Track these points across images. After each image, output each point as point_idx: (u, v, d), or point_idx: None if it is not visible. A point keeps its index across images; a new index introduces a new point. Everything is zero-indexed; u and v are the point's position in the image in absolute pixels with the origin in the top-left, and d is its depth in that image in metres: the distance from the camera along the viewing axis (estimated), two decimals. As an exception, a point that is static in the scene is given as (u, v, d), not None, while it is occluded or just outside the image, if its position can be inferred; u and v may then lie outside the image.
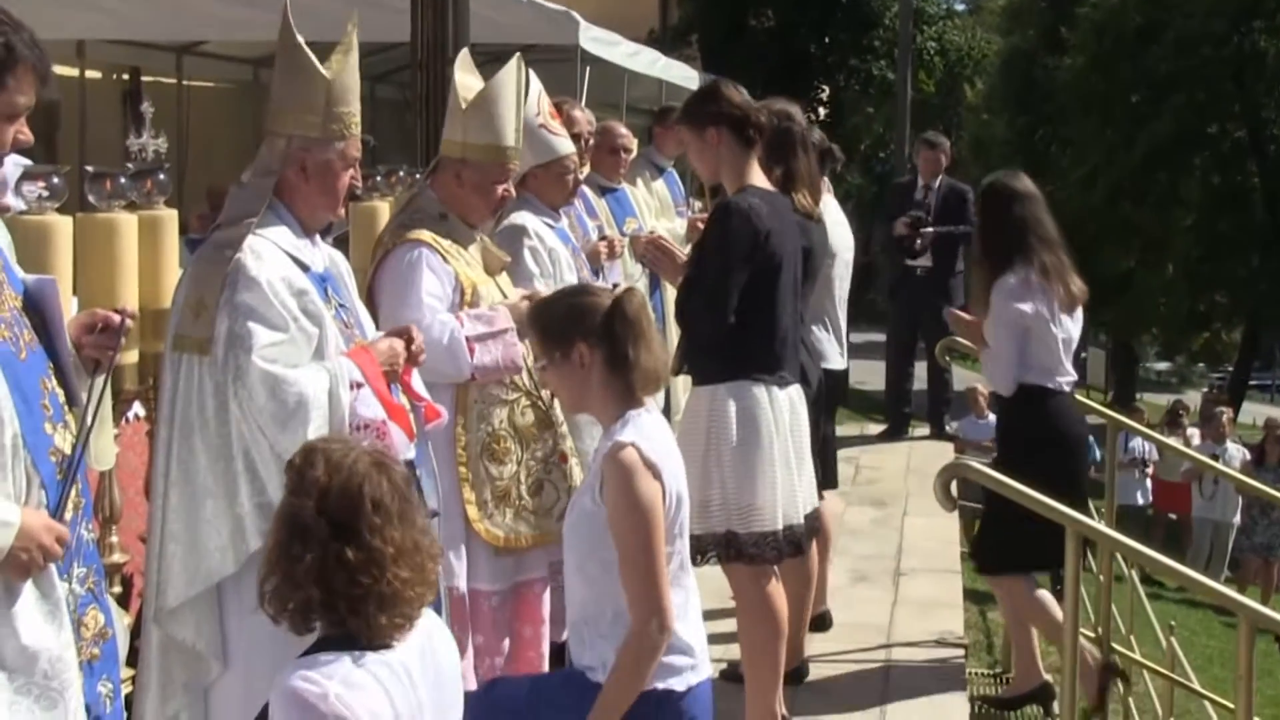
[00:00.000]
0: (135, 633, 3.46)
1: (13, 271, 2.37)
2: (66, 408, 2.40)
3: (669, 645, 2.65)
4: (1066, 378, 4.86)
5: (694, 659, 2.70)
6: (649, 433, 2.69)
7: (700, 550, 3.92)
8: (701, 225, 4.73)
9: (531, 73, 3.98)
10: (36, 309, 2.39)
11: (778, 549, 3.96)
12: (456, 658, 2.26)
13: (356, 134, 3.07)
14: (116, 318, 2.54)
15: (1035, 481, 4.67)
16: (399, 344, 3.11)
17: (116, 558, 3.68)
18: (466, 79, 3.80)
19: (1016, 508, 4.29)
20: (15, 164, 3.54)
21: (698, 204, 7.50)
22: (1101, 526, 5.12)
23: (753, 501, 3.90)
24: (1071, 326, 4.84)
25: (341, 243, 4.64)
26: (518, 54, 3.87)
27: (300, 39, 3.00)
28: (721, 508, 3.91)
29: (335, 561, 2.02)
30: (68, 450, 2.35)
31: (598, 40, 9.53)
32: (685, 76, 12.52)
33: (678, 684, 2.66)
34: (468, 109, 3.72)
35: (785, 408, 4.00)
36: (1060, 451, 4.81)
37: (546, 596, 3.80)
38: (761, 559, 3.95)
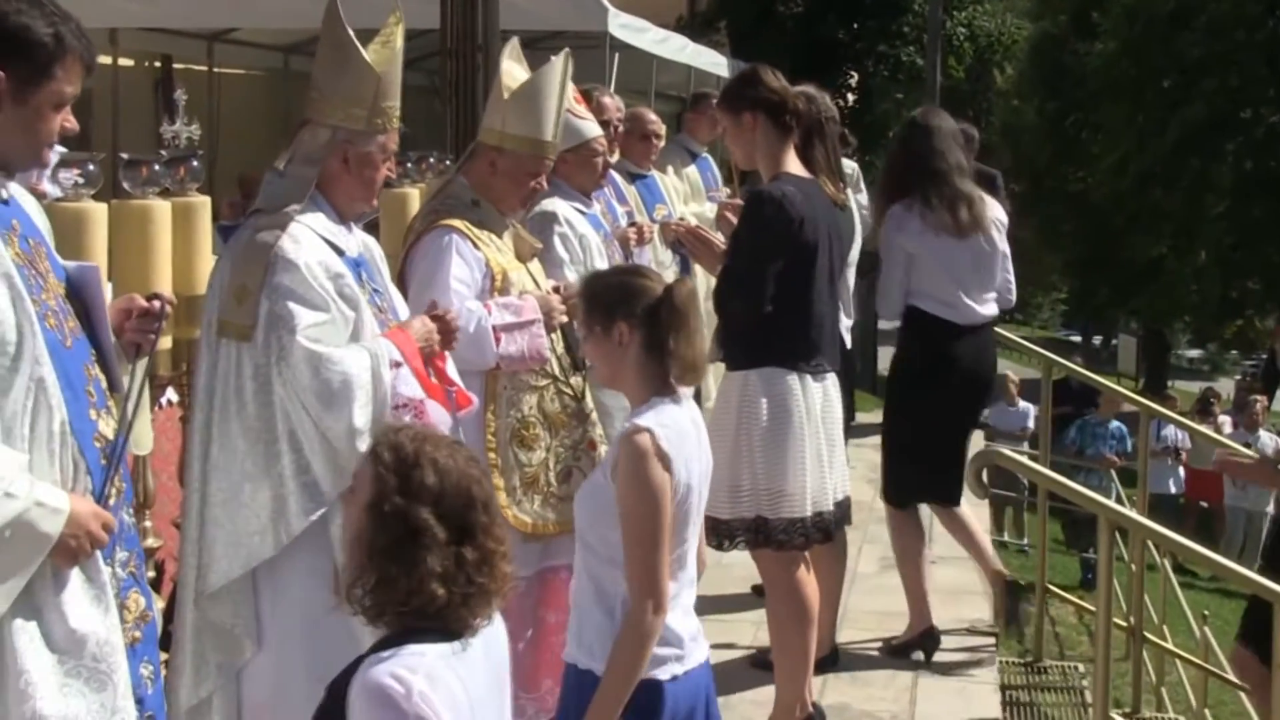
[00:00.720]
0: (167, 617, 3.50)
1: (56, 260, 2.40)
2: (109, 394, 2.42)
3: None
4: (968, 311, 4.86)
5: (680, 649, 2.71)
6: (670, 421, 2.69)
7: (729, 535, 3.93)
8: (729, 213, 4.73)
9: (568, 56, 3.97)
10: (79, 296, 2.41)
11: (806, 535, 3.95)
12: (507, 644, 2.29)
13: (396, 126, 3.09)
14: (156, 303, 2.56)
15: (918, 413, 4.82)
16: (432, 323, 3.13)
17: (150, 542, 3.71)
18: (513, 68, 3.81)
19: (914, 443, 4.64)
20: (54, 151, 3.57)
21: (726, 190, 7.48)
22: (1134, 514, 5.11)
23: (783, 487, 3.90)
24: (961, 254, 4.82)
25: (371, 228, 4.65)
26: (565, 50, 3.88)
27: (351, 33, 3.00)
28: (751, 493, 3.91)
29: (455, 563, 2.05)
30: (111, 436, 2.37)
31: (626, 27, 9.51)
32: (713, 63, 12.50)
33: (661, 674, 2.68)
34: (510, 99, 3.72)
35: (818, 396, 4.00)
36: (949, 384, 4.83)
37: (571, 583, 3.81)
38: (790, 545, 3.95)
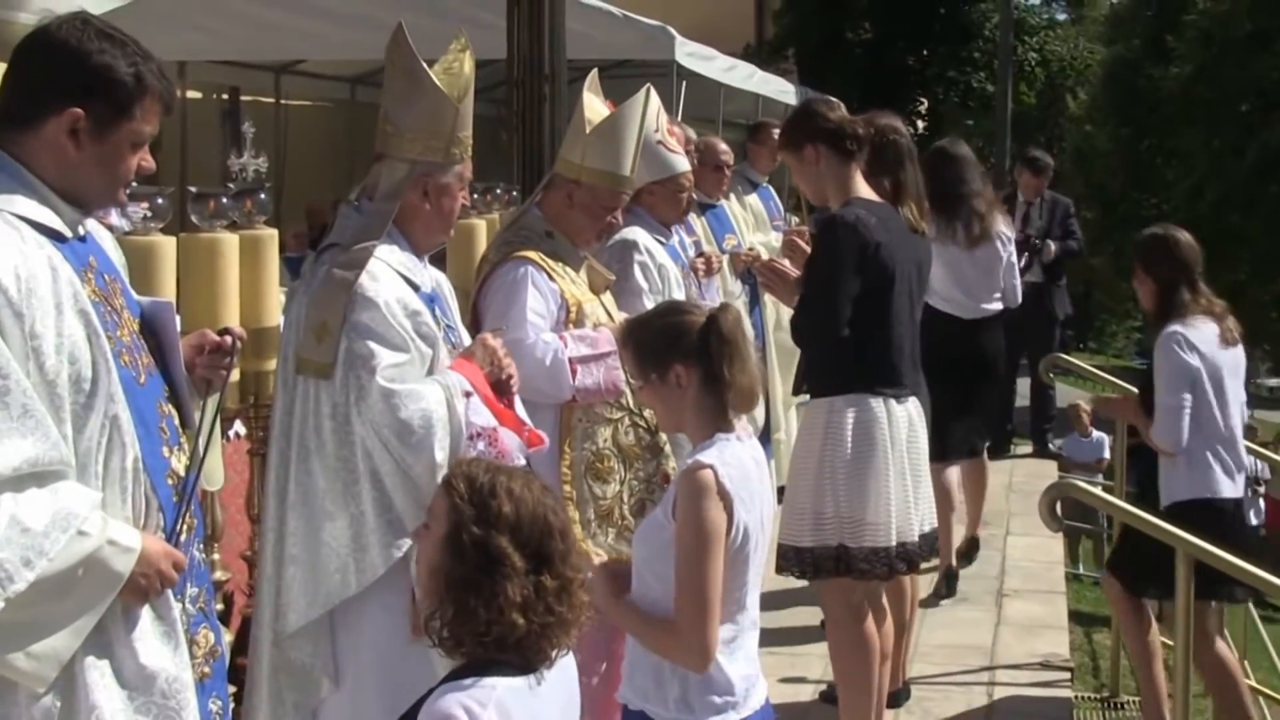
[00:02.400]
0: (236, 649, 3.50)
1: (130, 295, 2.41)
2: (181, 430, 2.43)
3: (709, 679, 2.61)
4: (971, 307, 5.88)
5: (734, 696, 2.64)
6: (733, 459, 2.64)
7: (814, 564, 3.88)
8: (798, 239, 4.70)
9: (651, 91, 3.98)
10: (152, 332, 2.42)
11: (889, 565, 3.89)
12: (577, 679, 2.27)
13: (469, 156, 3.09)
14: (227, 339, 2.56)
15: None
16: (492, 341, 3.10)
17: (218, 575, 3.71)
18: (594, 101, 3.81)
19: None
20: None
21: (794, 219, 7.45)
22: (1212, 547, 4.97)
23: (864, 516, 3.85)
24: (967, 262, 5.84)
25: (438, 260, 4.67)
26: (648, 86, 3.88)
27: (424, 63, 3.00)
28: (834, 520, 3.86)
29: (534, 592, 2.05)
30: (182, 473, 2.38)
31: (694, 55, 9.52)
32: (781, 90, 12.47)
33: None
34: (591, 133, 3.72)
35: (903, 422, 3.94)
36: (949, 362, 5.23)
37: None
38: (872, 574, 3.89)
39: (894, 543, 3.87)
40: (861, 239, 3.86)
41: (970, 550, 6.23)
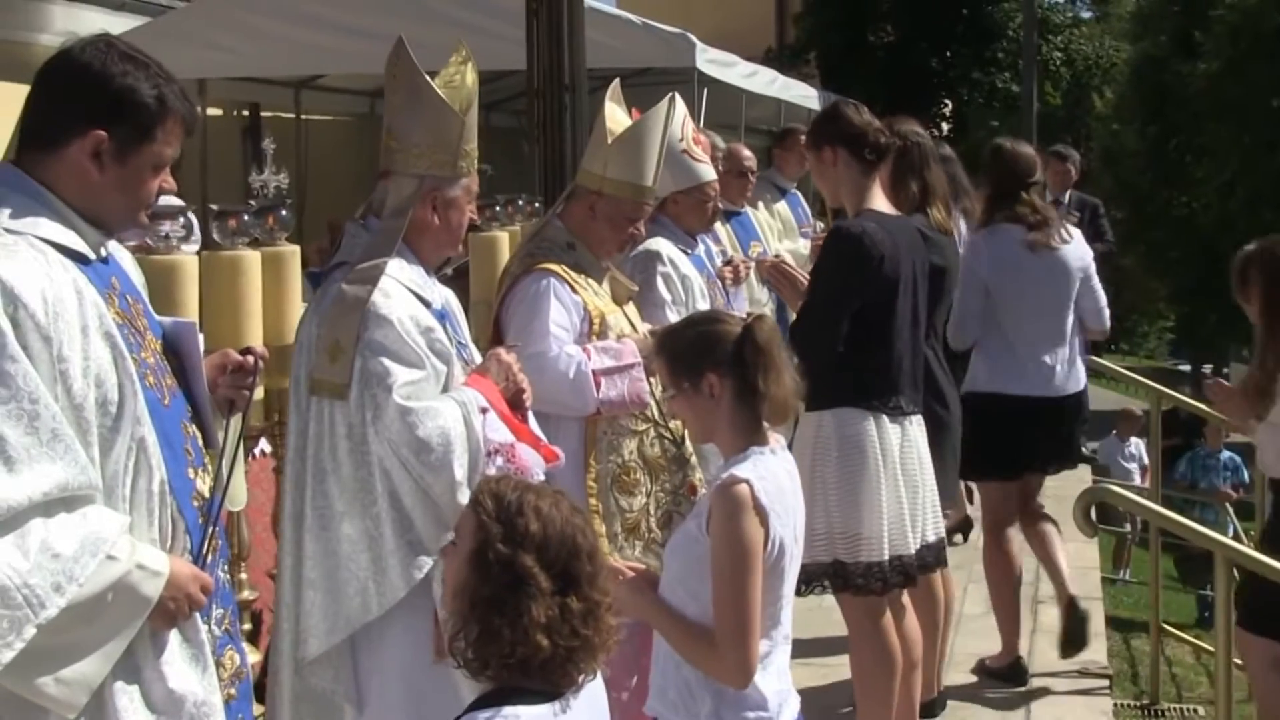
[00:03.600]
0: (265, 669, 3.48)
1: (153, 316, 2.41)
2: (205, 451, 2.43)
3: (742, 695, 2.58)
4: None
5: (768, 712, 2.62)
6: (768, 473, 2.60)
7: (806, 579, 3.83)
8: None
9: (678, 98, 3.95)
10: (174, 352, 2.41)
11: (884, 579, 3.84)
12: (606, 700, 2.24)
13: (476, 169, 3.06)
14: (249, 359, 2.55)
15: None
16: (506, 356, 3.07)
17: (245, 594, 3.70)
18: (615, 111, 3.78)
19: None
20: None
21: (820, 225, 7.40)
22: (1251, 551, 4.90)
23: (858, 531, 3.81)
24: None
25: (462, 274, 4.65)
26: (672, 94, 3.85)
27: (427, 77, 2.97)
28: (826, 536, 3.82)
29: (560, 614, 2.02)
30: (207, 494, 2.38)
31: (714, 62, 9.49)
32: (804, 95, 12.42)
33: None
34: (613, 144, 3.69)
35: (895, 438, 3.89)
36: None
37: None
38: (868, 589, 3.84)
39: (887, 557, 3.83)
40: (865, 252, 3.80)
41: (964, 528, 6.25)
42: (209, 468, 2.41)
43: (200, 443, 2.40)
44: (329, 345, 2.84)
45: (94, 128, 2.19)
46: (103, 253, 2.28)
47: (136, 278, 2.44)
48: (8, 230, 2.12)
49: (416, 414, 2.80)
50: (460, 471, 2.82)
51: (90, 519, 2.09)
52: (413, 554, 2.82)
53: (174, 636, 2.26)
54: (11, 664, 1.99)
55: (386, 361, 2.81)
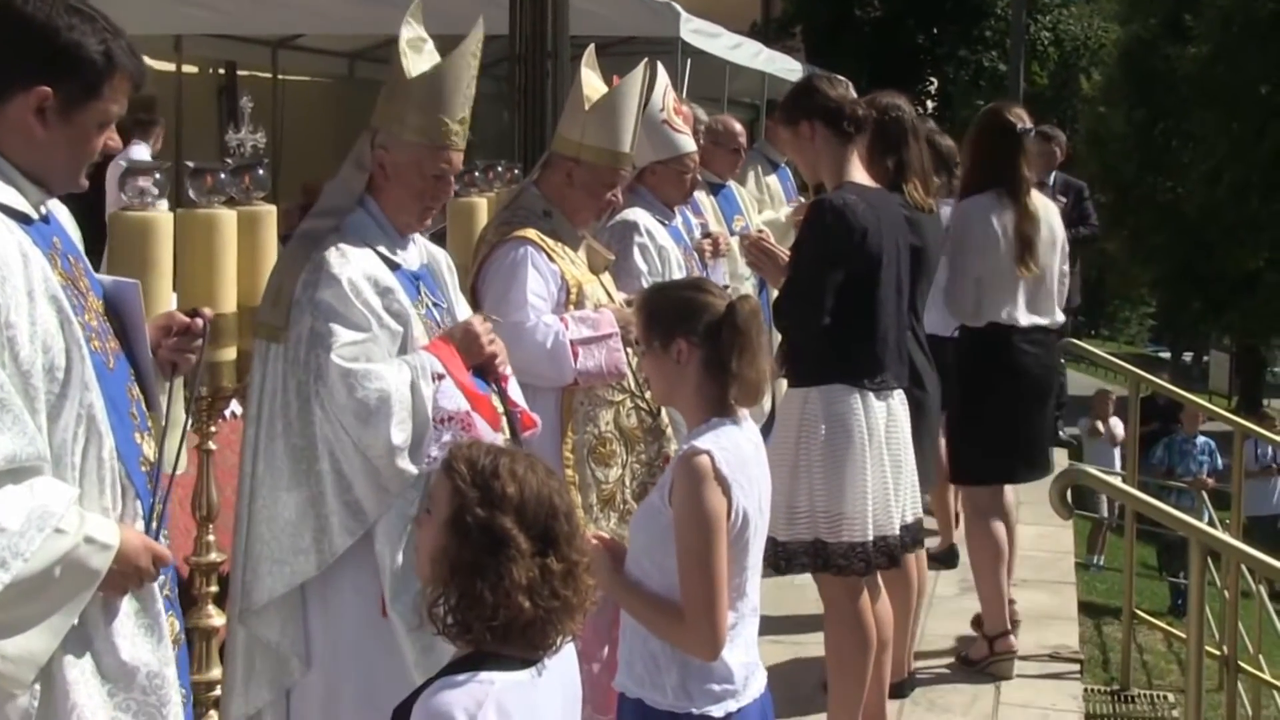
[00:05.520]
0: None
1: (93, 276, 2.34)
2: (149, 414, 2.37)
3: (708, 666, 2.58)
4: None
5: (734, 685, 2.61)
6: (730, 444, 2.59)
7: (788, 557, 3.82)
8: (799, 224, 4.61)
9: (660, 67, 3.90)
10: (116, 313, 2.35)
11: (866, 560, 3.82)
12: (577, 666, 2.23)
13: (455, 144, 2.99)
14: (198, 322, 2.48)
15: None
16: (476, 326, 3.04)
17: (214, 556, 3.67)
18: (592, 77, 3.75)
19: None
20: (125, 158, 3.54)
21: (802, 199, 7.36)
22: (1227, 537, 4.91)
23: (842, 510, 3.78)
24: None
25: (439, 239, 4.59)
26: (646, 60, 3.81)
27: (404, 39, 2.96)
28: (809, 515, 3.79)
29: (540, 575, 2.02)
30: (154, 458, 2.33)
31: (699, 32, 9.41)
32: (788, 69, 12.33)
33: (715, 710, 2.58)
34: (591, 110, 3.66)
35: (881, 415, 3.86)
36: None
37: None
38: (850, 570, 3.82)
39: (871, 537, 3.80)
40: (847, 225, 3.76)
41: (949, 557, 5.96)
42: (153, 432, 2.36)
43: (144, 406, 2.35)
44: (274, 288, 2.90)
45: (38, 83, 2.11)
46: (43, 211, 2.21)
47: (75, 235, 2.36)
48: None
49: (355, 375, 2.80)
50: (400, 436, 2.82)
51: (37, 491, 2.04)
52: (351, 515, 2.85)
53: (126, 605, 2.22)
54: None
55: (331, 324, 2.82)
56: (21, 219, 2.13)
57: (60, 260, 2.20)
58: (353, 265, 2.86)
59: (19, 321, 2.03)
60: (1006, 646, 4.80)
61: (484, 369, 3.05)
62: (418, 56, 2.98)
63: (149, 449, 2.32)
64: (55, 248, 2.20)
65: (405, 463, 2.83)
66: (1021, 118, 4.81)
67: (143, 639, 2.23)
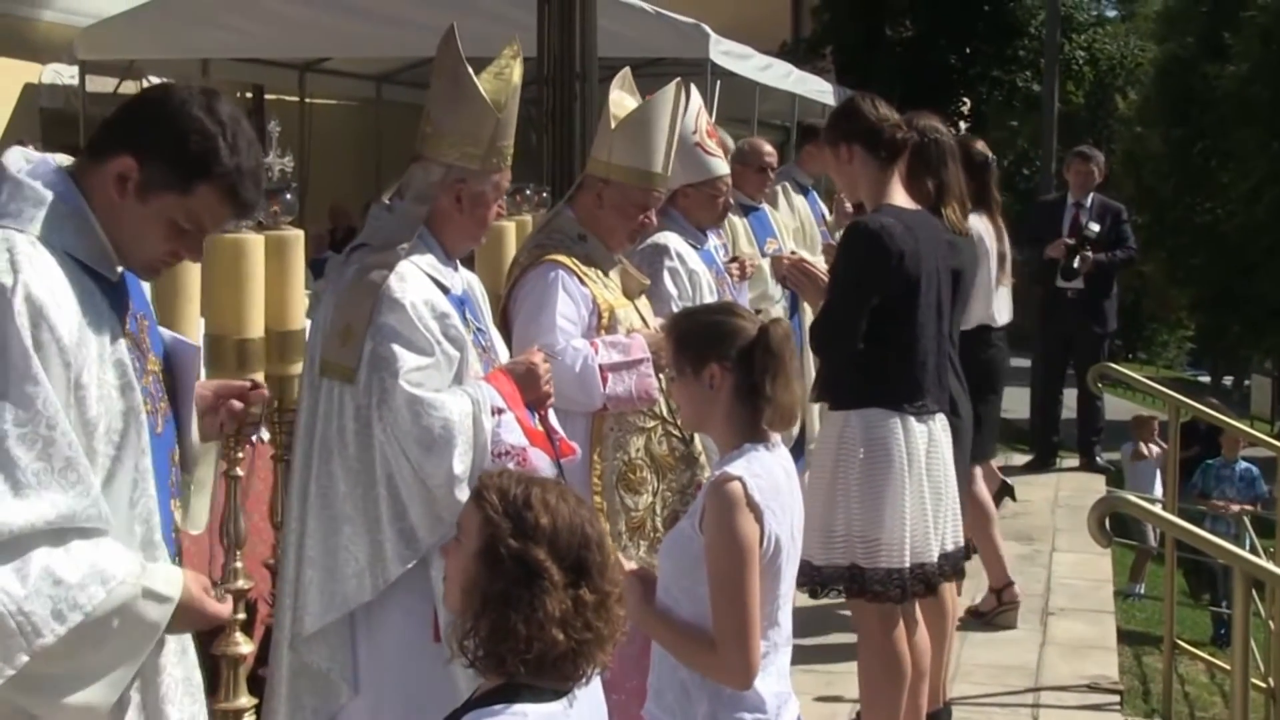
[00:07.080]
0: (258, 660, 3.42)
1: (156, 333, 2.34)
2: (182, 479, 2.39)
3: (740, 696, 2.54)
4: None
5: (767, 714, 2.58)
6: (762, 470, 2.56)
7: (823, 582, 3.76)
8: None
9: (693, 89, 3.88)
10: (170, 372, 2.35)
11: (903, 587, 3.76)
12: (603, 695, 2.22)
13: (509, 165, 3.06)
14: (262, 391, 2.52)
15: None
16: (536, 365, 3.07)
17: (241, 584, 3.64)
18: (623, 98, 3.74)
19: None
20: None
21: (827, 212, 7.32)
22: (1272, 566, 4.81)
23: (879, 535, 3.73)
24: None
25: (467, 263, 4.58)
26: (678, 80, 3.78)
27: (470, 69, 2.96)
28: (845, 539, 3.74)
29: (574, 607, 2.00)
30: (180, 523, 2.36)
31: (729, 54, 9.38)
32: (819, 90, 12.29)
33: None
34: (617, 128, 3.64)
35: (922, 439, 3.80)
36: None
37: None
38: (886, 596, 3.76)
39: (909, 564, 3.75)
40: (884, 248, 3.73)
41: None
42: (183, 496, 2.38)
43: (179, 473, 2.36)
44: (341, 328, 2.88)
45: (133, 153, 2.12)
46: (119, 270, 2.21)
47: (146, 289, 2.38)
48: (41, 242, 2.05)
49: (423, 403, 2.82)
50: (460, 466, 2.83)
51: (103, 549, 2.04)
52: (404, 542, 2.85)
53: (174, 667, 2.24)
54: (15, 688, 1.94)
55: (395, 347, 2.83)
56: (100, 278, 2.14)
57: (130, 321, 2.21)
58: (413, 290, 2.88)
59: (89, 383, 2.06)
60: (1012, 596, 5.43)
61: (532, 403, 3.07)
62: (499, 84, 3.00)
63: (178, 516, 2.34)
64: (126, 307, 2.21)
65: (463, 493, 2.82)
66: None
67: (189, 703, 2.27)
